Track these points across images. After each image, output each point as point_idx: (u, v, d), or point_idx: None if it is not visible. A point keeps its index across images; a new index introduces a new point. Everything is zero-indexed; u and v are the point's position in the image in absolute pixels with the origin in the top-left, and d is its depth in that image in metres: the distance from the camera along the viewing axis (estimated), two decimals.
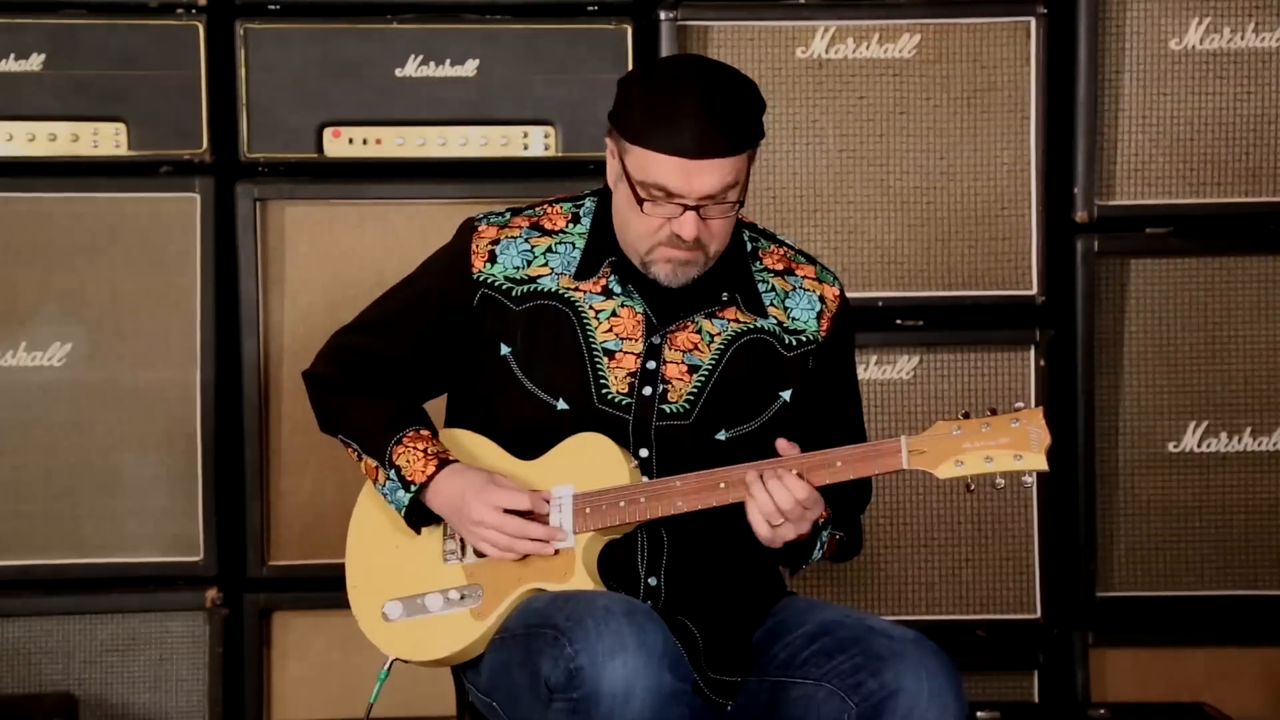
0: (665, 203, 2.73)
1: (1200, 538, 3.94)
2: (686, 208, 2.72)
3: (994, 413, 2.67)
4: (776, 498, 2.69)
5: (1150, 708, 3.85)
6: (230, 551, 3.89)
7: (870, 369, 3.89)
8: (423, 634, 2.83)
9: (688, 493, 2.73)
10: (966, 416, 2.68)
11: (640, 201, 2.74)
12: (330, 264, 3.88)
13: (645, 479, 2.78)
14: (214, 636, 3.87)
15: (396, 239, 3.86)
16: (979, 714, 3.69)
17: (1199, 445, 3.94)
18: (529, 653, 2.66)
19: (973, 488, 2.71)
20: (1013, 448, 2.64)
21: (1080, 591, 3.94)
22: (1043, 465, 2.64)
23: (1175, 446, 3.94)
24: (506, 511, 2.77)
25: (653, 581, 2.82)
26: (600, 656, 2.55)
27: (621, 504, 2.75)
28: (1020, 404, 2.69)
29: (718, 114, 2.71)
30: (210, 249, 3.84)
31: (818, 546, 2.83)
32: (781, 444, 2.73)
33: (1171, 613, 3.96)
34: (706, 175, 2.71)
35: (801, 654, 2.76)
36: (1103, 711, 3.73)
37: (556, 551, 2.78)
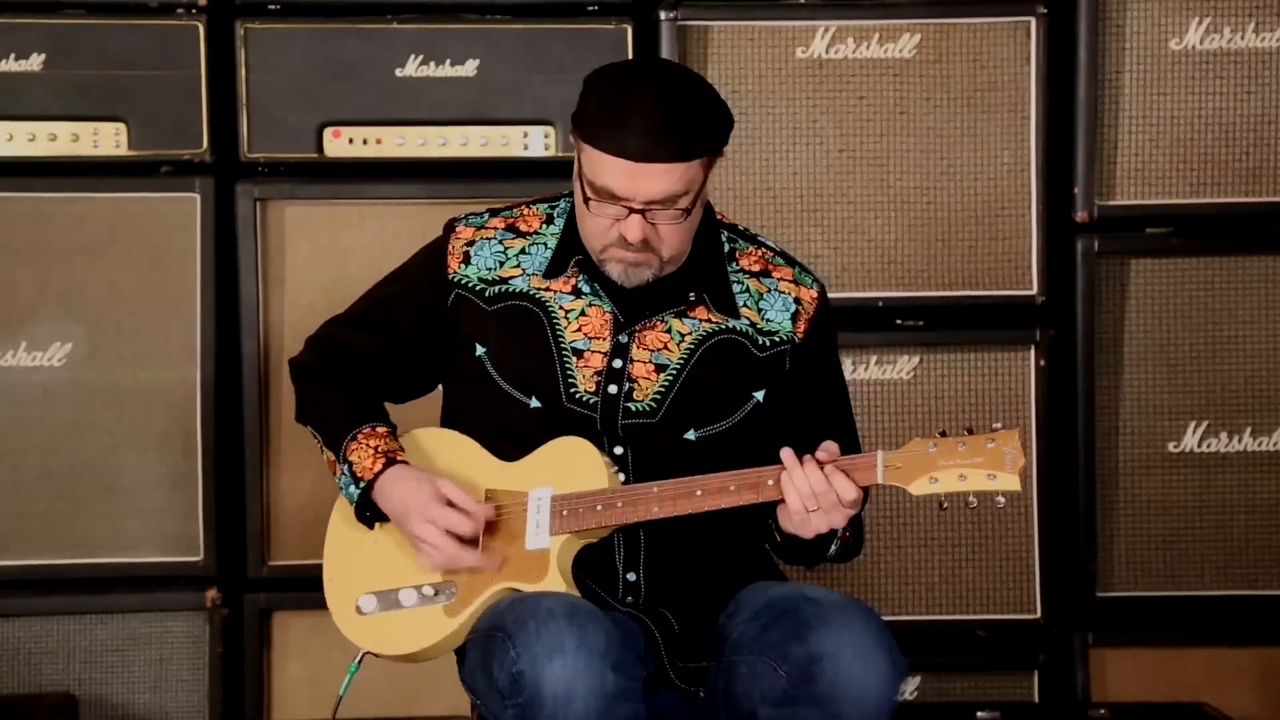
0: (611, 204, 2.74)
1: (1200, 538, 3.94)
2: (632, 210, 2.73)
3: (970, 432, 2.68)
4: (812, 480, 2.68)
5: (1150, 708, 3.84)
6: (230, 551, 3.89)
7: (870, 369, 3.89)
8: (394, 628, 2.85)
9: (664, 499, 2.74)
10: (943, 435, 2.69)
11: (587, 200, 2.76)
12: (330, 264, 3.88)
13: (624, 485, 2.79)
14: (214, 636, 3.87)
15: (396, 239, 3.86)
16: (979, 714, 3.69)
17: (1199, 445, 3.94)
18: (485, 656, 2.70)
19: (945, 505, 2.72)
20: (987, 467, 2.65)
21: (1080, 591, 3.94)
22: (1015, 486, 2.65)
23: (1175, 446, 3.94)
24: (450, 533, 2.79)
25: (631, 577, 2.83)
26: (540, 659, 2.57)
27: (599, 508, 2.76)
28: (998, 425, 2.70)
29: (668, 120, 2.70)
30: (210, 249, 3.84)
31: (833, 543, 2.83)
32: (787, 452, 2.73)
33: (1171, 613, 3.95)
34: (651, 180, 2.71)
35: (747, 632, 2.77)
36: (1103, 711, 3.73)
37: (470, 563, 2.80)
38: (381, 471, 2.84)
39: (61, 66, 3.83)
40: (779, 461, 2.72)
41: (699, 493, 2.73)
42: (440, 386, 3.03)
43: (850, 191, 3.90)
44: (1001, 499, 2.68)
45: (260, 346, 3.86)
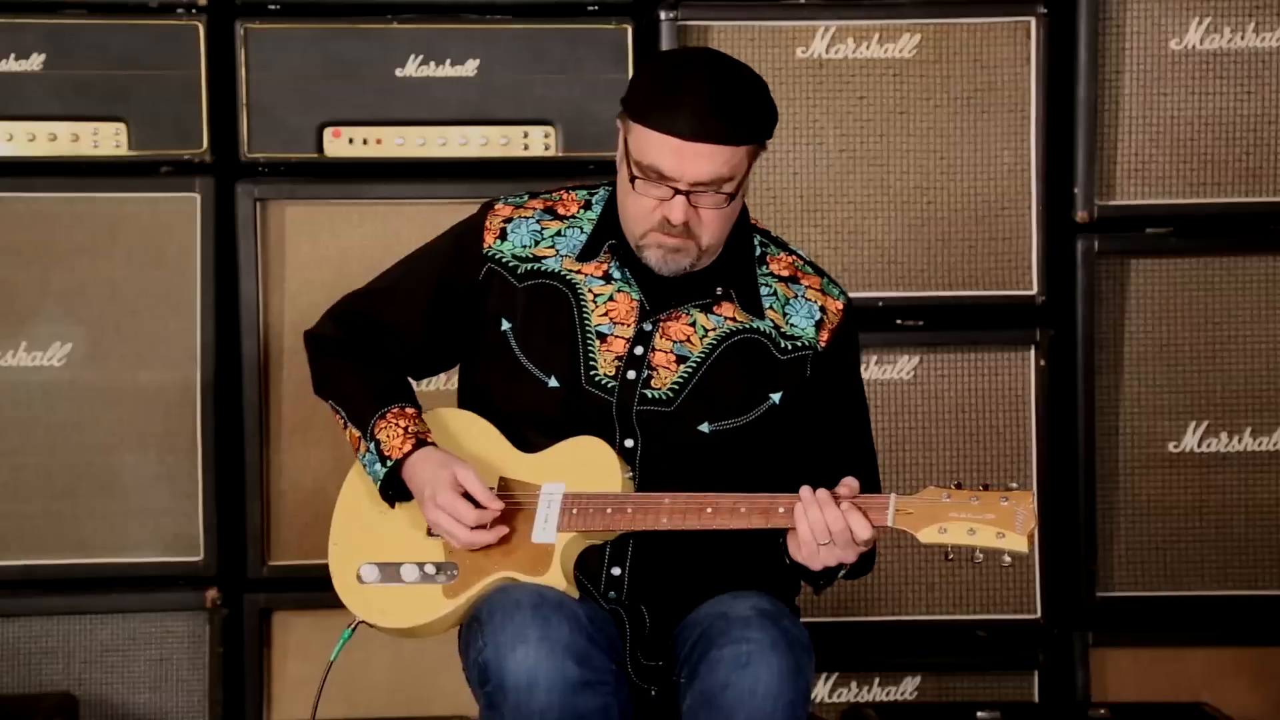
0: (657, 184, 2.76)
1: (1200, 538, 3.94)
2: (677, 191, 2.75)
3: (986, 488, 2.69)
4: (828, 517, 2.68)
5: (1150, 708, 3.85)
6: (230, 551, 3.89)
7: (870, 369, 3.89)
8: (392, 601, 2.85)
9: (674, 512, 2.74)
10: (959, 486, 2.69)
11: (633, 179, 2.77)
12: (331, 264, 3.88)
13: (636, 492, 2.79)
14: (214, 636, 3.87)
15: (397, 239, 3.86)
16: (979, 714, 3.69)
17: (1199, 445, 3.94)
18: (465, 643, 2.76)
19: (951, 557, 2.73)
20: (998, 525, 2.65)
21: (1080, 591, 3.94)
22: (1023, 548, 2.65)
23: (1175, 446, 3.94)
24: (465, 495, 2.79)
25: (616, 571, 2.84)
26: (503, 649, 2.61)
27: (609, 511, 2.76)
28: (1014, 484, 2.71)
29: (718, 103, 2.73)
30: (210, 249, 3.84)
31: (841, 569, 2.82)
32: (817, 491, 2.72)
33: (1171, 613, 3.96)
34: (699, 161, 2.73)
35: (684, 651, 2.78)
36: (1103, 711, 3.73)
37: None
38: (411, 452, 2.84)
39: (61, 66, 3.83)
40: (792, 478, 2.73)
41: (709, 510, 2.73)
42: (456, 366, 3.04)
43: (850, 191, 3.90)
44: (1008, 559, 2.68)
45: (260, 346, 3.86)
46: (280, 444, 3.88)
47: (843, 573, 2.83)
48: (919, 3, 3.88)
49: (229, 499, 3.88)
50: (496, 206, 2.96)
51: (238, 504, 3.88)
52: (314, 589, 3.79)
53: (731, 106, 2.74)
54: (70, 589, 3.85)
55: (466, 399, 2.98)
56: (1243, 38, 3.89)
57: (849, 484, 2.71)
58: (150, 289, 3.85)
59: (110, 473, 3.85)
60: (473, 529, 2.78)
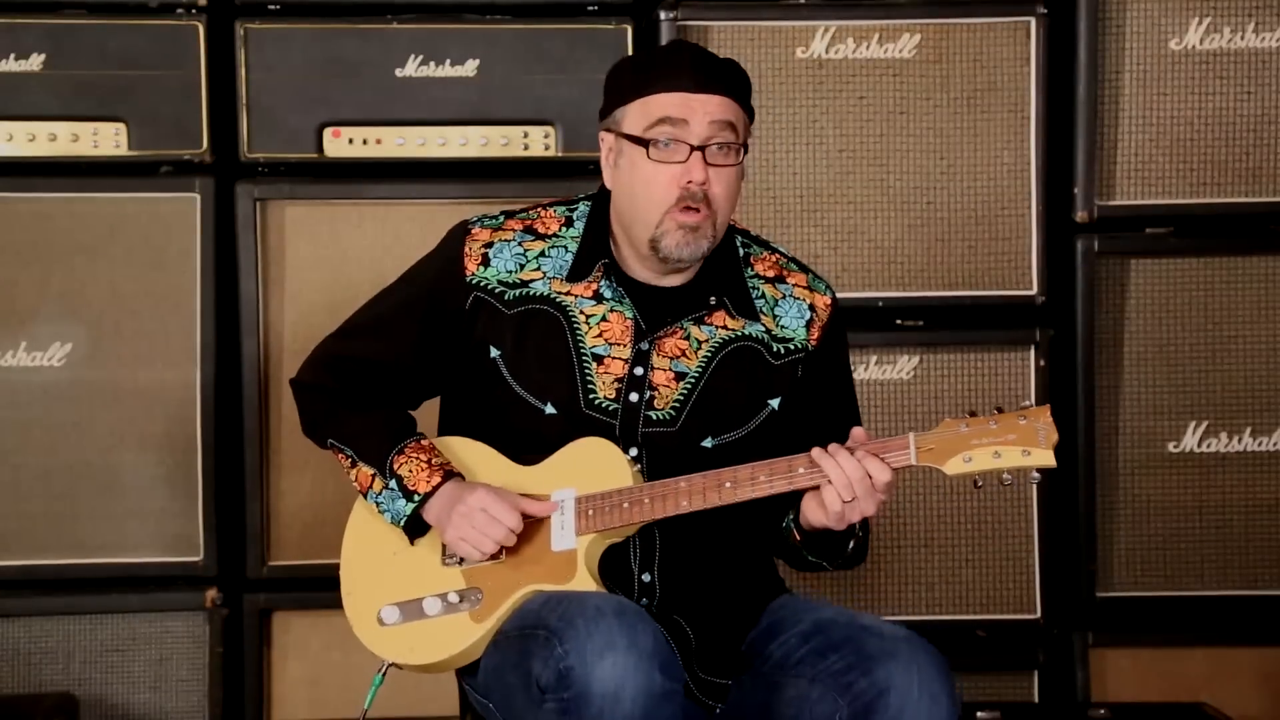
0: (673, 143, 2.75)
1: (1200, 538, 3.94)
2: (693, 149, 2.74)
3: (1001, 410, 2.68)
4: (847, 469, 2.67)
5: (1150, 708, 3.85)
6: (230, 551, 3.89)
7: (870, 369, 3.89)
8: (421, 637, 2.83)
9: (693, 492, 2.73)
10: (973, 415, 2.68)
11: (646, 146, 2.76)
12: (330, 264, 3.88)
13: (647, 482, 2.77)
14: (214, 636, 3.87)
15: (396, 239, 3.86)
16: (979, 714, 3.69)
17: (1199, 445, 3.94)
18: (521, 654, 2.67)
19: (980, 484, 2.71)
20: (1021, 444, 2.65)
21: (1080, 591, 3.94)
22: (1050, 461, 2.65)
23: (1175, 446, 3.94)
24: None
25: (646, 578, 2.82)
26: (590, 656, 2.55)
27: (625, 505, 2.74)
28: (1028, 403, 2.70)
29: (713, 60, 2.80)
30: (210, 249, 3.84)
31: (850, 540, 2.83)
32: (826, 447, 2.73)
33: (1171, 613, 3.96)
34: (710, 107, 2.75)
35: (795, 653, 2.76)
36: (1103, 711, 3.73)
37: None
38: (441, 484, 2.81)
39: (61, 66, 3.83)
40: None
41: (728, 484, 2.72)
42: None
43: (850, 191, 3.90)
44: (1037, 474, 2.68)
45: (260, 346, 3.86)
46: (280, 444, 3.88)
47: (850, 548, 2.83)
48: (919, 3, 3.88)
49: (229, 499, 3.88)
50: (473, 230, 2.90)
51: (238, 504, 3.89)
52: (314, 589, 3.81)
53: (724, 65, 2.80)
54: (70, 589, 3.86)
55: (450, 427, 2.95)
56: (1243, 38, 3.89)
57: (855, 436, 2.71)
58: (150, 289, 3.85)
59: (110, 473, 3.85)
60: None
